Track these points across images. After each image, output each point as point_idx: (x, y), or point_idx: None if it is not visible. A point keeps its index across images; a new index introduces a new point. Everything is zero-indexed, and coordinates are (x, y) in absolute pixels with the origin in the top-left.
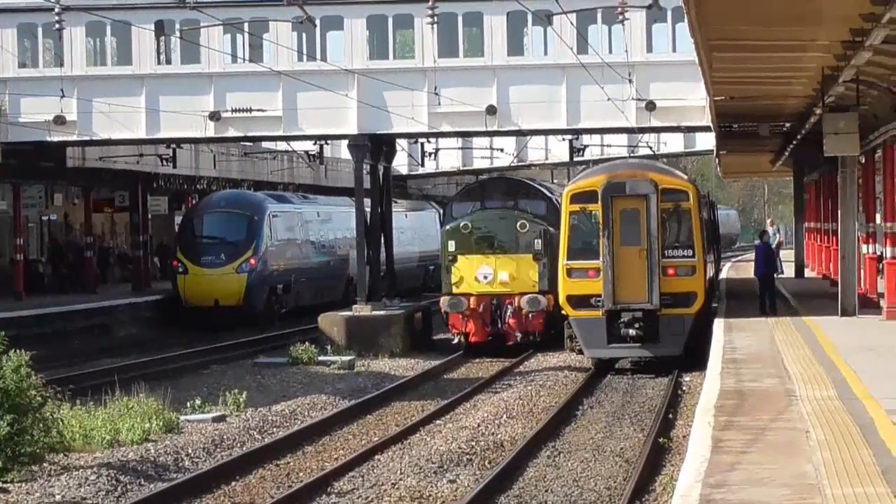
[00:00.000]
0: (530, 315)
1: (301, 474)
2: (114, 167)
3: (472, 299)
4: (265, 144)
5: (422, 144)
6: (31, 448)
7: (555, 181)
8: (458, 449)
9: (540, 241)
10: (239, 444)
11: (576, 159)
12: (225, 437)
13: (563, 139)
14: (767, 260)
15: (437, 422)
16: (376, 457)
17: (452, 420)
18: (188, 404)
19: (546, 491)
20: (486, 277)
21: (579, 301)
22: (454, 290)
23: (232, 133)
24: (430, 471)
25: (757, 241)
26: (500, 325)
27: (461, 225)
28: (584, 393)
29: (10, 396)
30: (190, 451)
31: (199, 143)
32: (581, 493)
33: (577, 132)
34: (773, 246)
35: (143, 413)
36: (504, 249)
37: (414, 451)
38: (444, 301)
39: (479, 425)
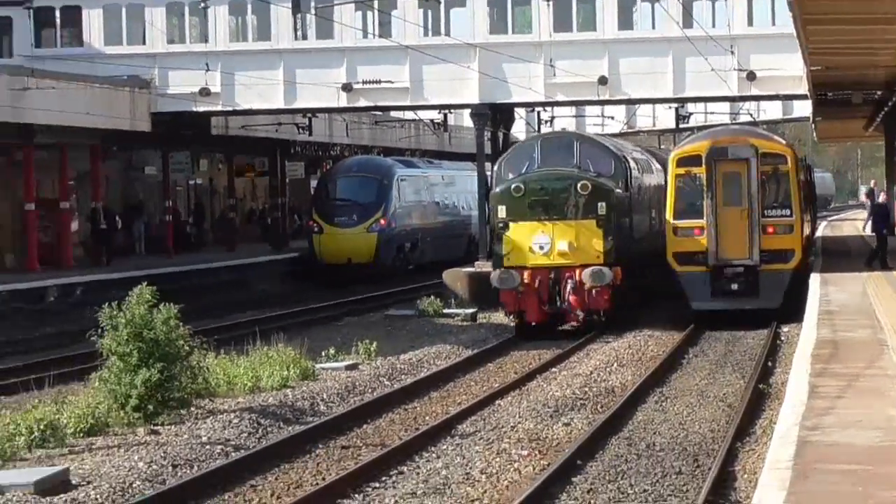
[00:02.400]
0: (594, 291)
1: (427, 418)
2: (254, 135)
3: (526, 273)
4: (393, 113)
5: (538, 113)
6: (180, 394)
7: (661, 146)
8: (572, 394)
9: (605, 204)
10: (370, 390)
11: (681, 126)
12: (357, 383)
13: (670, 107)
14: (883, 217)
15: (553, 369)
16: (496, 402)
17: (567, 368)
18: (323, 353)
19: (654, 433)
20: (542, 248)
21: (685, 257)
22: (506, 262)
23: (363, 103)
24: (546, 415)
25: (862, 200)
26: (558, 303)
27: (512, 187)
28: (689, 343)
29: (161, 346)
30: (325, 397)
31: (333, 113)
32: (686, 436)
33: (683, 101)
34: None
35: (282, 361)
36: (563, 215)
37: (531, 397)
38: (494, 276)
39: (591, 372)
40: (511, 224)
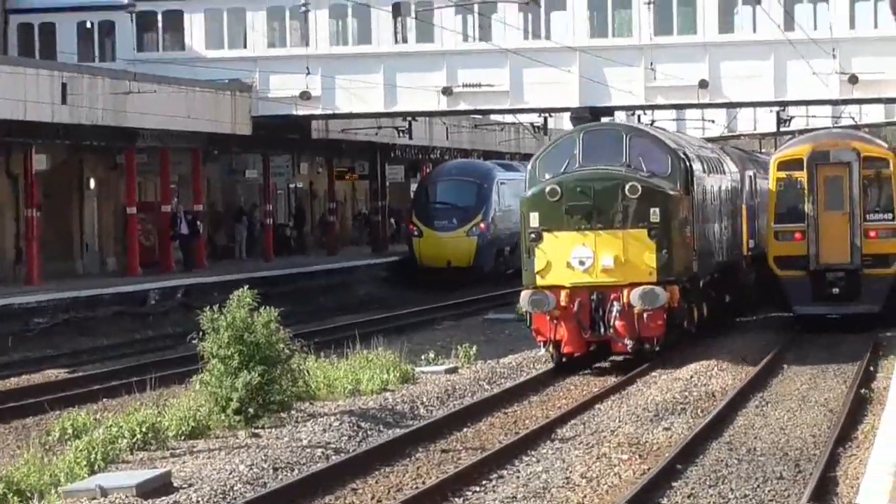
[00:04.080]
0: (645, 315)
1: (527, 422)
2: (354, 139)
3: (563, 294)
4: (493, 117)
5: (638, 116)
6: (280, 397)
7: (762, 150)
8: (673, 399)
9: (658, 210)
10: (470, 394)
11: (782, 129)
12: (457, 387)
13: (771, 111)
14: None
15: (653, 373)
16: (596, 406)
17: (667, 372)
18: (422, 357)
19: (755, 438)
20: (582, 263)
21: (786, 262)
22: (538, 281)
23: (463, 106)
24: (646, 419)
25: None
26: (602, 330)
27: (547, 190)
28: (788, 348)
29: (261, 349)
30: (424, 400)
31: (433, 116)
32: (787, 441)
33: (784, 104)
34: None
35: (382, 365)
36: (608, 223)
37: (631, 401)
38: (524, 297)
39: (691, 377)
40: (545, 234)
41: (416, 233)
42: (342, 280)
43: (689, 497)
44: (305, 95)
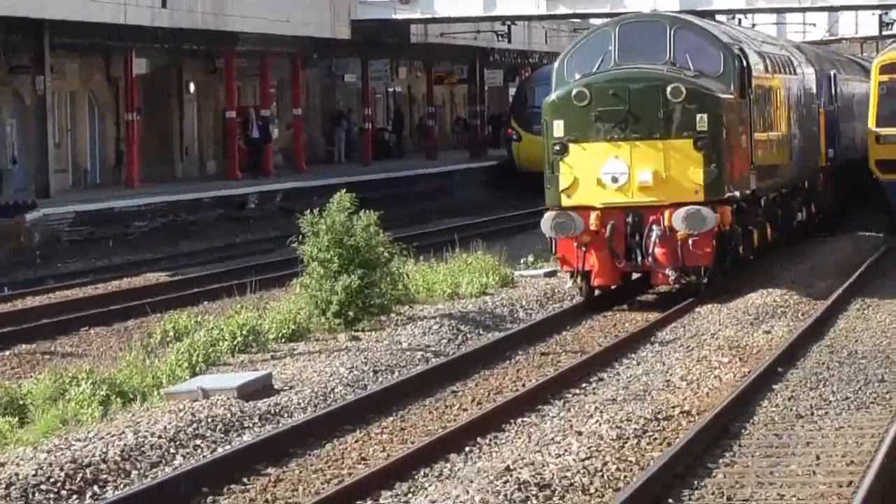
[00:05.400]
0: (690, 240)
1: (627, 325)
2: (453, 42)
3: (593, 216)
4: (593, 21)
5: (739, 20)
6: (380, 300)
7: (863, 54)
8: (773, 302)
9: (707, 116)
10: (569, 298)
11: (885, 33)
12: (556, 290)
13: (873, 14)
14: None
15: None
16: (696, 309)
17: (770, 275)
18: (521, 261)
19: (856, 342)
20: (615, 179)
21: (889, 165)
22: (564, 200)
23: (562, 10)
24: (746, 322)
25: None
26: (639, 258)
27: (574, 93)
28: (894, 252)
29: (361, 252)
30: (524, 303)
31: (532, 20)
32: (889, 343)
33: (886, 8)
34: None
35: (481, 268)
36: (647, 132)
37: (731, 304)
38: (547, 220)
39: (794, 280)
40: (571, 146)
41: (514, 136)
42: (441, 184)
43: (789, 399)
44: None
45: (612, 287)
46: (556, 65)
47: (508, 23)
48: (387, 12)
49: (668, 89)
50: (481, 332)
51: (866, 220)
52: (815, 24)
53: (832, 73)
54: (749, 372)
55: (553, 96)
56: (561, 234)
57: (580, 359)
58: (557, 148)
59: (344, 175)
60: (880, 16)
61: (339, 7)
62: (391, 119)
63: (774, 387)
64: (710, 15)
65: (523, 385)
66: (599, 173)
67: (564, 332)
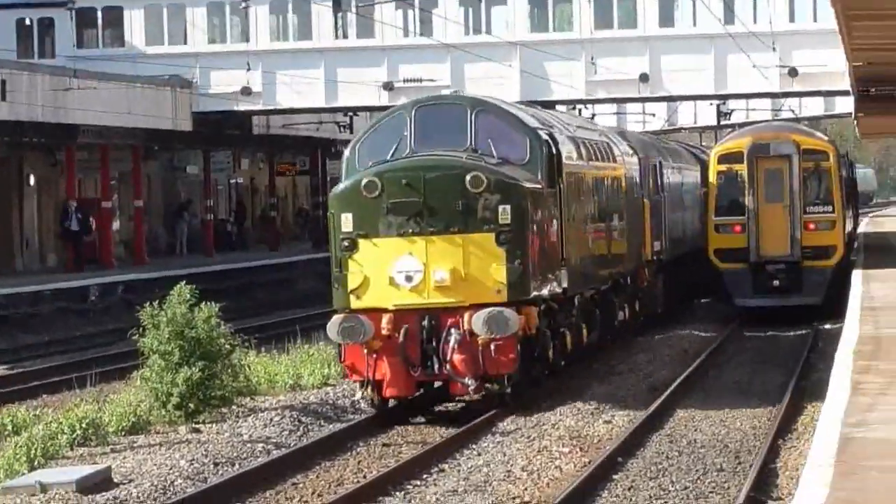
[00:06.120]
0: (492, 345)
1: (469, 415)
2: (296, 134)
3: (385, 318)
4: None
5: (580, 110)
6: (221, 392)
7: (703, 143)
8: (614, 391)
9: (510, 209)
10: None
11: (723, 123)
12: None
13: (711, 104)
14: None
15: (595, 366)
16: (540, 403)
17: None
18: None
19: (695, 430)
20: (409, 279)
21: (727, 254)
22: (353, 302)
23: (403, 101)
24: (587, 412)
25: None
26: (435, 366)
27: (363, 183)
28: (730, 341)
29: (202, 345)
30: None
31: (374, 111)
32: (728, 433)
33: (724, 97)
34: None
35: (323, 359)
36: (443, 226)
37: (573, 394)
38: (333, 324)
39: (630, 370)
40: (361, 241)
41: None
42: (284, 276)
43: (629, 490)
44: (246, 91)
45: (404, 398)
46: (346, 152)
47: (350, 114)
48: (228, 104)
49: (468, 178)
50: (323, 423)
51: (701, 316)
52: (654, 115)
53: (658, 161)
54: (589, 462)
55: (341, 186)
56: (348, 340)
57: (422, 450)
58: (346, 244)
59: (186, 267)
60: (718, 106)
61: (181, 99)
62: (233, 210)
63: (615, 476)
64: (551, 106)
65: (364, 476)
66: (392, 272)
67: (406, 424)
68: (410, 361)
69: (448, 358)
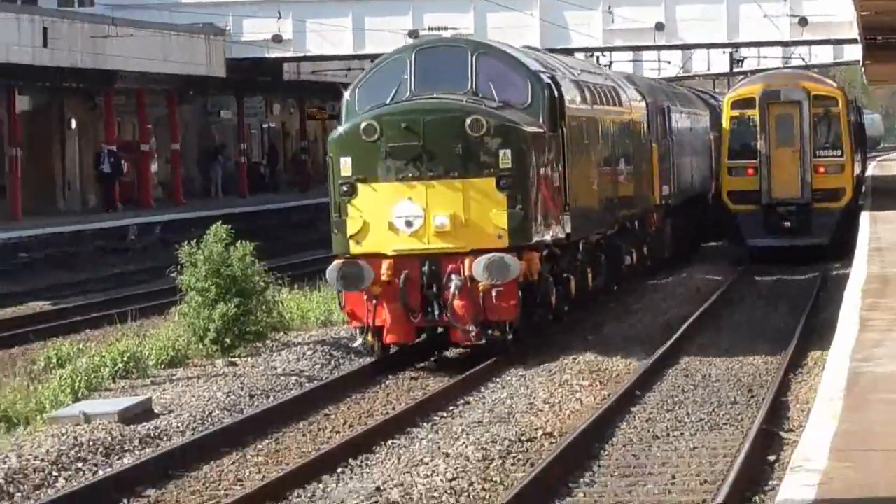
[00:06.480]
0: (493, 291)
1: (493, 348)
2: (324, 80)
3: (384, 265)
4: None
5: (597, 57)
6: (255, 327)
7: (716, 90)
8: (632, 329)
9: (511, 153)
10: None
11: (735, 70)
12: None
13: (724, 52)
14: None
15: (612, 304)
16: (557, 335)
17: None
18: None
19: (710, 365)
20: (409, 224)
21: (739, 196)
22: (353, 247)
23: None
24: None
25: None
26: (435, 312)
27: (362, 126)
28: (741, 282)
29: (237, 282)
30: None
31: None
32: (741, 367)
33: (736, 46)
34: None
35: None
36: (443, 170)
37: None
38: (332, 270)
39: (649, 307)
40: (360, 186)
41: None
42: (314, 216)
43: (647, 421)
44: (277, 39)
45: (405, 343)
46: (346, 94)
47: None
48: (260, 51)
49: (468, 122)
50: (353, 357)
51: (710, 260)
52: (669, 62)
53: (666, 105)
54: (609, 395)
55: (340, 130)
56: (348, 288)
57: (447, 383)
58: (345, 188)
59: (221, 208)
60: (731, 54)
61: (215, 46)
62: (266, 154)
63: (633, 409)
64: (569, 53)
65: (393, 408)
66: (392, 217)
67: (434, 358)
68: (410, 307)
69: (449, 304)
